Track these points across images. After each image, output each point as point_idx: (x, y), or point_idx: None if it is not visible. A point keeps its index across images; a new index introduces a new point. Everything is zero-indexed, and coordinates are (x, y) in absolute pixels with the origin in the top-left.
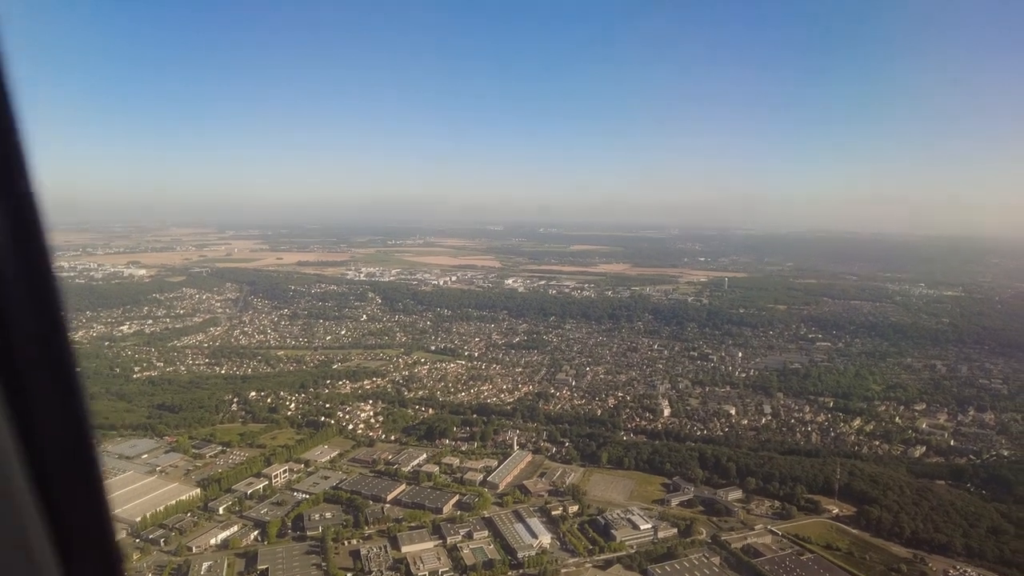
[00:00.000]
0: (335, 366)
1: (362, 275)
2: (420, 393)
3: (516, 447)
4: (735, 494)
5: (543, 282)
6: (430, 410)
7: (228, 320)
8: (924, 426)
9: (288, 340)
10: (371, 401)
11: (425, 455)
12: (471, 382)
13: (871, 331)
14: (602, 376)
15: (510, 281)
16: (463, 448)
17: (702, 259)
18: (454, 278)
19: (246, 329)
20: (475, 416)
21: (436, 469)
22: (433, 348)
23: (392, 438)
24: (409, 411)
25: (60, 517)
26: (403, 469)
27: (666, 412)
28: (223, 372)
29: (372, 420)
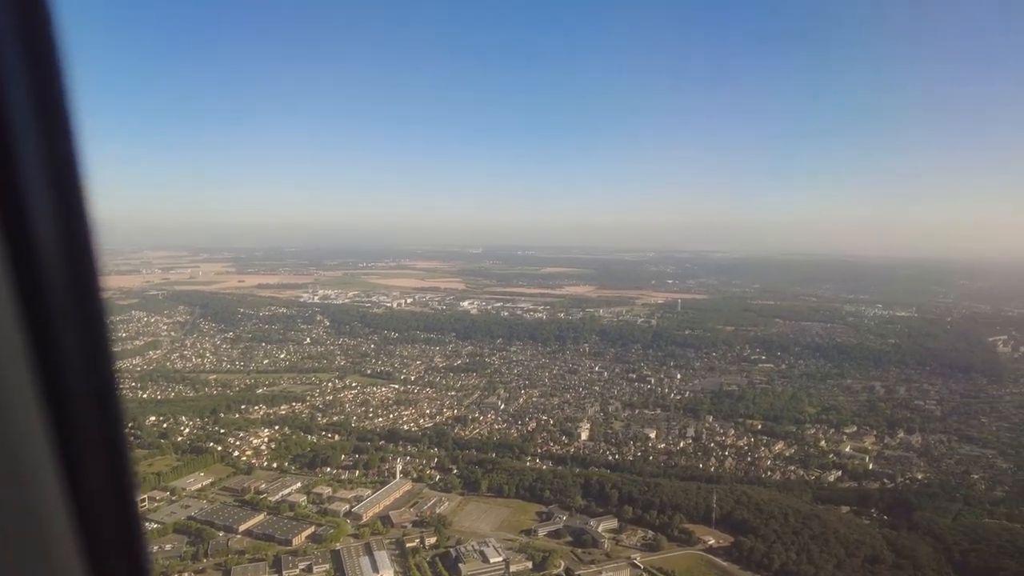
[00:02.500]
0: (260, 390)
1: (316, 298)
2: (335, 419)
3: (398, 475)
4: (609, 524)
5: (499, 304)
6: (335, 436)
7: (170, 344)
8: (848, 450)
9: (224, 364)
10: (276, 427)
11: (300, 484)
12: (395, 407)
13: (816, 352)
14: (535, 399)
15: (466, 303)
16: (343, 476)
17: (670, 281)
18: (410, 300)
19: (185, 352)
20: (382, 442)
21: (304, 499)
22: (369, 372)
23: (275, 466)
24: (312, 438)
25: (91, 525)
26: (270, 499)
27: (583, 436)
28: (144, 397)
29: (263, 447)
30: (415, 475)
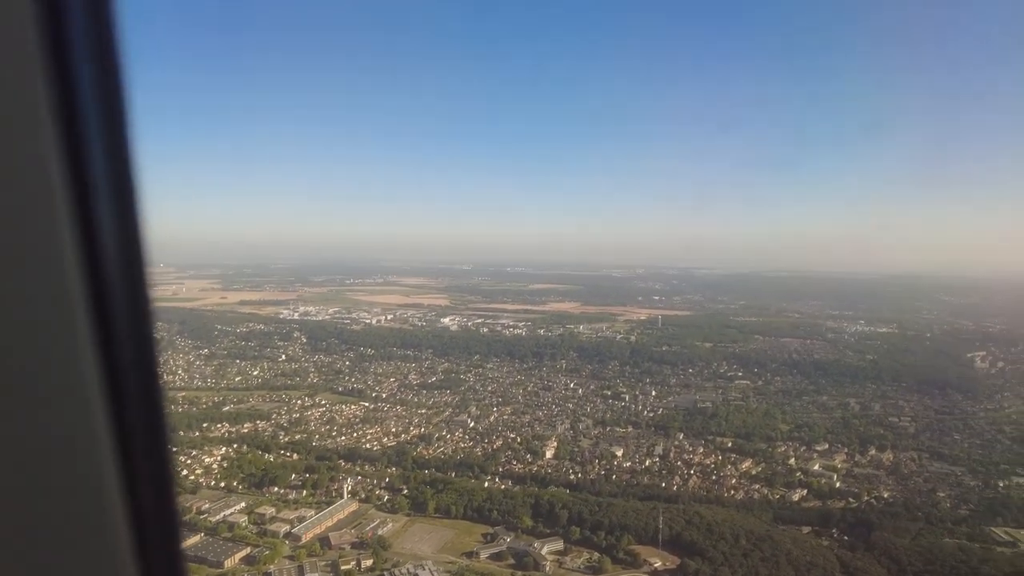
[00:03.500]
0: (226, 408)
1: (297, 314)
2: (297, 437)
3: (346, 495)
4: (554, 545)
5: (480, 320)
6: (294, 455)
7: None
8: (816, 468)
9: (195, 381)
10: (234, 445)
11: (244, 504)
12: (360, 425)
13: (793, 369)
14: (506, 417)
15: (446, 320)
16: (291, 496)
17: (656, 298)
18: (390, 317)
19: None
20: (340, 462)
21: (244, 519)
22: (341, 389)
23: (223, 485)
24: (268, 456)
25: (140, 522)
26: (210, 519)
27: (548, 455)
28: None
29: (215, 466)
30: (363, 495)
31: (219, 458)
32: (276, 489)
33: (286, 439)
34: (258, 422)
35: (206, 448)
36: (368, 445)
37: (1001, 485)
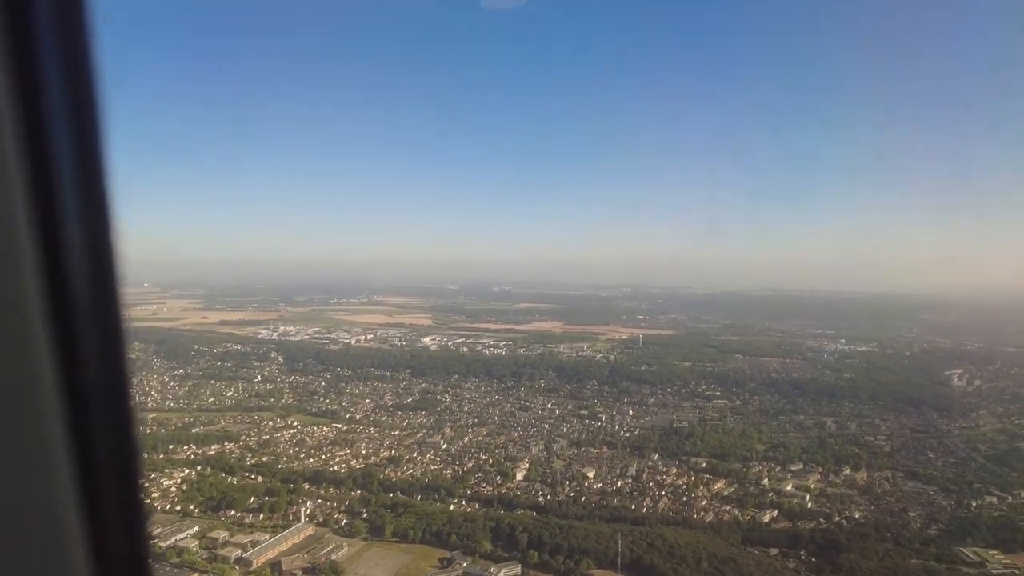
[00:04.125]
0: (195, 429)
1: (275, 334)
2: (264, 459)
3: (303, 519)
4: (511, 570)
5: (461, 340)
6: (258, 477)
7: None
8: (789, 488)
9: (167, 402)
10: (198, 467)
11: (197, 528)
12: (330, 447)
13: (771, 388)
14: (480, 438)
15: (426, 339)
16: (247, 520)
17: (640, 317)
18: (370, 336)
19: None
20: (305, 485)
21: (195, 544)
22: (315, 411)
23: (178, 509)
24: (232, 479)
25: (99, 524)
26: (160, 544)
27: (518, 476)
28: None
29: (173, 489)
30: (321, 519)
31: (179, 481)
32: (233, 513)
33: (253, 461)
34: (226, 444)
35: (167, 471)
36: (335, 467)
37: (973, 504)
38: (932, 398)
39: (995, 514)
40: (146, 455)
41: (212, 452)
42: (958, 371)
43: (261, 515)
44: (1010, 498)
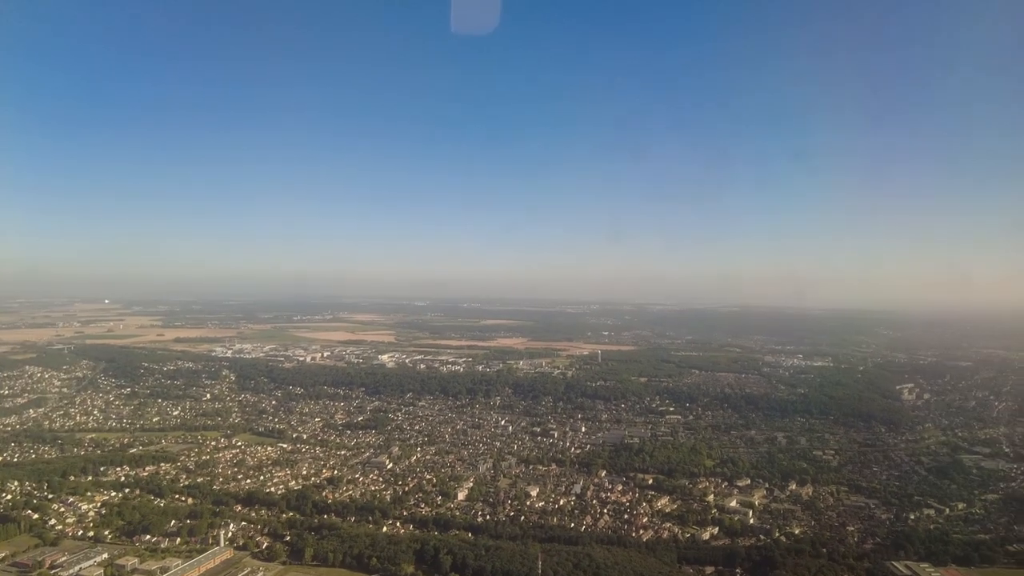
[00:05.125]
0: (133, 450)
1: (231, 352)
2: (199, 480)
3: (223, 542)
4: None
5: (420, 357)
6: (188, 499)
7: (57, 401)
8: (733, 504)
9: (110, 422)
10: (126, 490)
11: (106, 555)
12: (271, 467)
13: (725, 403)
14: (428, 457)
15: (385, 356)
16: (163, 545)
17: (605, 333)
18: (327, 354)
19: (71, 411)
20: (237, 507)
21: (101, 572)
22: (262, 430)
23: (91, 535)
24: (159, 501)
25: None
26: (62, 573)
27: (461, 496)
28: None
29: (91, 513)
30: (242, 542)
31: (99, 505)
32: (148, 537)
33: (187, 482)
34: (163, 465)
35: (88, 494)
36: (272, 488)
37: (911, 517)
38: (881, 412)
39: (931, 527)
40: (72, 478)
41: (145, 473)
42: (909, 385)
43: (179, 539)
44: (947, 510)
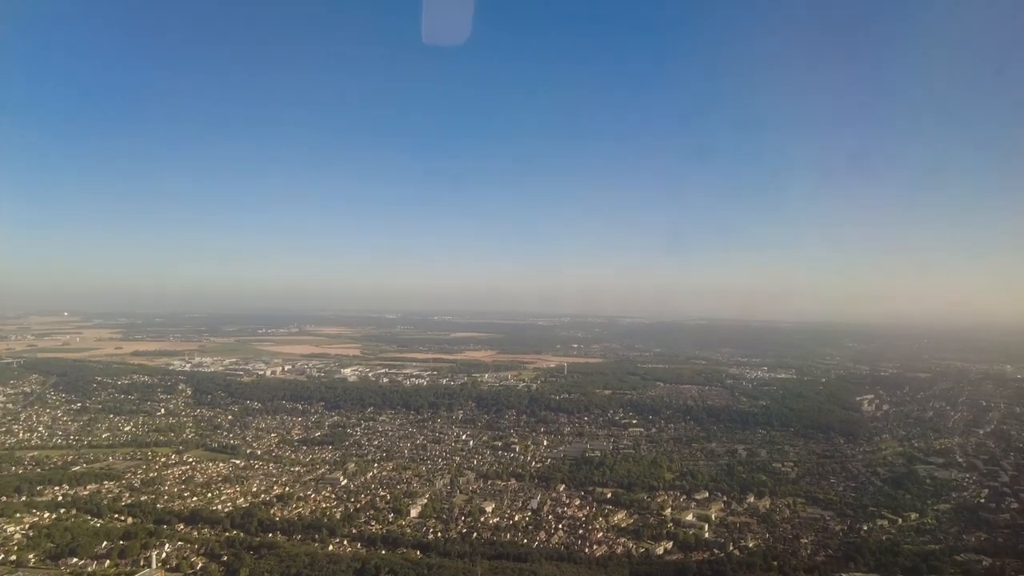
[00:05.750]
0: (76, 468)
1: (189, 365)
2: (142, 499)
3: (154, 564)
4: None
5: (384, 370)
6: (128, 519)
7: (0, 417)
8: (690, 518)
9: (56, 439)
10: (62, 510)
11: None
12: (221, 484)
13: (687, 415)
14: (385, 473)
15: (347, 370)
16: (90, 568)
17: (575, 346)
18: (288, 367)
19: (15, 427)
20: (180, 525)
21: None
22: (216, 446)
23: (12, 559)
24: (96, 522)
25: None
26: None
27: (413, 513)
28: None
29: (17, 535)
30: (175, 563)
31: (27, 527)
32: (75, 560)
33: (129, 501)
34: (105, 483)
35: (18, 516)
36: (218, 506)
37: (864, 528)
38: (841, 423)
39: (883, 538)
40: (4, 499)
41: (86, 492)
42: (869, 396)
43: (108, 562)
44: (900, 520)
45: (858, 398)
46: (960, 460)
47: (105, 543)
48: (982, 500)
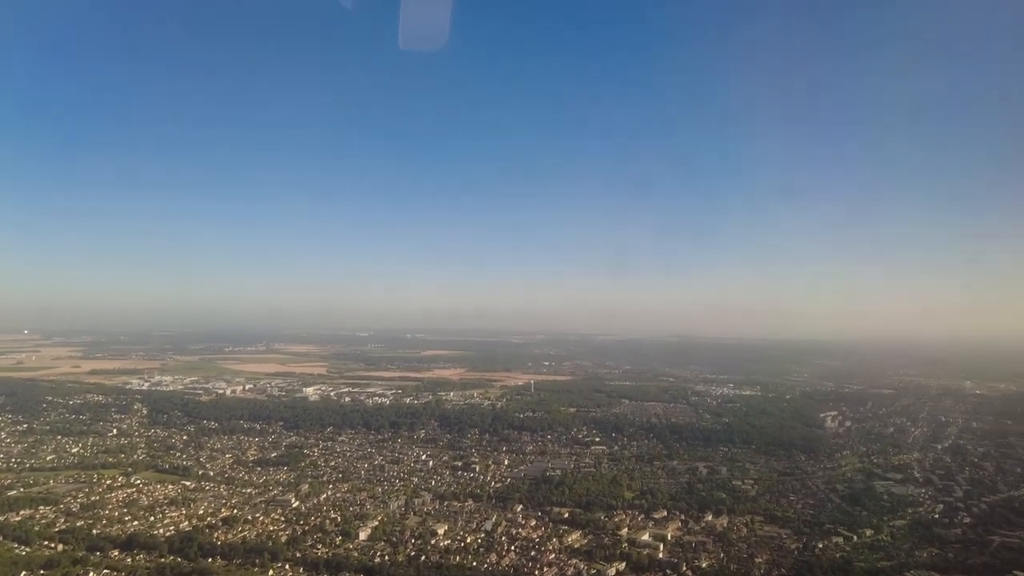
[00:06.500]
0: (12, 492)
1: (147, 384)
2: (79, 524)
3: None
4: None
5: (347, 389)
6: (59, 546)
7: None
8: (646, 537)
9: None
10: None
11: None
12: (166, 507)
13: (650, 433)
14: (340, 495)
15: (309, 389)
16: None
17: (547, 363)
18: (249, 386)
19: None
20: (114, 552)
21: None
22: (167, 467)
23: None
24: (23, 550)
25: None
26: None
27: (362, 536)
28: None
29: None
30: None
31: None
32: None
33: (64, 527)
34: (41, 508)
35: None
36: (159, 530)
37: (819, 546)
38: (802, 440)
39: (837, 555)
40: None
41: (17, 519)
42: (832, 413)
43: None
44: (855, 537)
45: (822, 415)
46: (917, 476)
47: (24, 573)
48: (936, 515)
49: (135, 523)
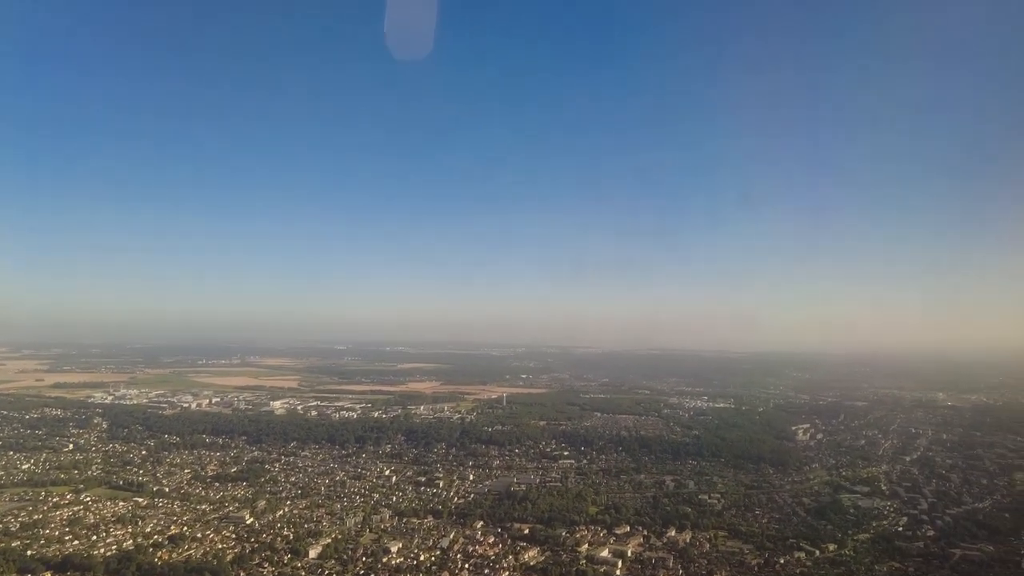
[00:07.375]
0: None
1: (111, 398)
2: (14, 544)
3: None
4: None
5: (315, 403)
6: None
7: None
8: (605, 554)
9: None
10: None
11: None
12: (112, 525)
13: (619, 446)
14: (297, 511)
15: (276, 403)
16: None
17: (524, 376)
18: (215, 400)
19: None
20: (47, 574)
21: None
22: (121, 483)
23: None
24: None
25: None
26: None
27: (312, 554)
28: None
29: None
30: None
31: None
32: None
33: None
34: None
35: None
36: (99, 550)
37: (781, 562)
38: (772, 453)
39: (798, 571)
40: None
41: None
42: (804, 425)
43: None
44: (818, 552)
45: (793, 427)
46: (884, 488)
47: None
48: (900, 528)
49: (75, 543)
